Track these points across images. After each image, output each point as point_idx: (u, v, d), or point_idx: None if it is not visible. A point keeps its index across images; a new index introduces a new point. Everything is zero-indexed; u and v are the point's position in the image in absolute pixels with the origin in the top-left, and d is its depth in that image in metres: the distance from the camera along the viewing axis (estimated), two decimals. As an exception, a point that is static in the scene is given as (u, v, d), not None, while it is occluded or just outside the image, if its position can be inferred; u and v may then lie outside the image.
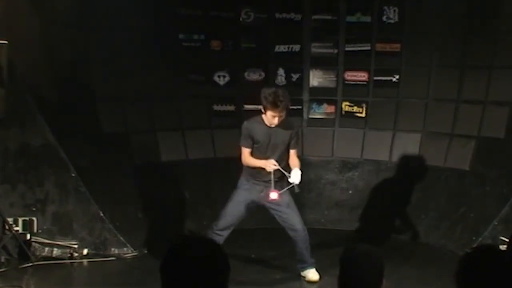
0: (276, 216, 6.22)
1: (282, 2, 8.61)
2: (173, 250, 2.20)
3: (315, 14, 8.57)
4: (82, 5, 7.25)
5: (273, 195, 5.96)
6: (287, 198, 6.17)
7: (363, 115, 8.47)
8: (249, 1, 8.50)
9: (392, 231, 7.84)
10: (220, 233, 5.96)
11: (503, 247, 5.14)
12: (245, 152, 6.07)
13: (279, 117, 5.91)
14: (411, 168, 8.06)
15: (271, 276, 6.41)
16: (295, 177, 5.94)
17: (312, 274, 6.24)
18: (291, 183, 5.95)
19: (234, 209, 6.13)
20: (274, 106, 5.84)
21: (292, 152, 6.15)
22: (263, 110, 5.97)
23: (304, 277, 6.28)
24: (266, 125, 6.00)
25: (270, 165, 5.89)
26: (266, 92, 5.93)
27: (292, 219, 6.14)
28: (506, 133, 7.27)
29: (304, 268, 6.27)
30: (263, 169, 5.98)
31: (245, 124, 6.12)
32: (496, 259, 2.43)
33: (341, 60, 8.54)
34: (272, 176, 5.90)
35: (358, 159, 8.44)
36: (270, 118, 5.92)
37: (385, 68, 8.34)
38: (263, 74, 8.58)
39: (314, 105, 8.66)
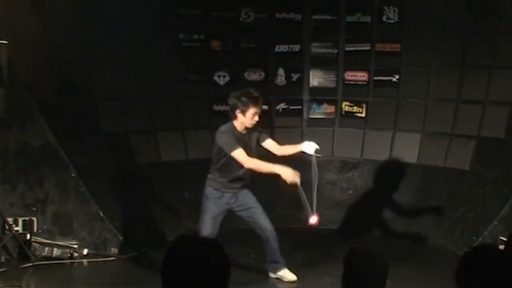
0: (246, 218, 6.17)
1: (282, 2, 8.61)
2: (173, 250, 2.20)
3: (315, 14, 8.58)
4: (82, 5, 7.25)
5: (313, 219, 5.98)
6: (254, 198, 6.13)
7: (363, 115, 8.47)
8: (249, 1, 8.51)
9: (392, 231, 7.85)
10: None
11: (502, 247, 5.15)
12: (240, 152, 5.75)
13: (258, 115, 5.84)
14: (410, 168, 8.07)
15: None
16: (309, 148, 5.93)
17: (290, 275, 6.17)
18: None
19: (211, 225, 5.92)
20: (255, 101, 5.79)
21: (270, 141, 6.12)
22: (240, 114, 5.82)
23: (280, 277, 6.18)
24: (239, 131, 5.89)
25: (295, 177, 5.70)
26: (236, 95, 5.85)
27: (262, 219, 6.08)
28: (506, 133, 7.27)
29: (278, 269, 6.18)
30: (237, 178, 5.94)
31: (224, 130, 5.88)
32: (496, 258, 2.43)
33: (341, 60, 8.54)
34: (304, 197, 5.85)
35: (358, 159, 8.44)
36: (251, 118, 5.81)
37: (385, 68, 8.34)
38: (263, 74, 8.59)
39: (314, 105, 8.66)
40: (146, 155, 7.76)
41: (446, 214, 7.54)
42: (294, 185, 5.73)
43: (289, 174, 5.70)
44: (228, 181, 5.96)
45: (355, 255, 2.86)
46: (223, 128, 5.92)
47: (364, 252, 2.88)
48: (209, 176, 6.03)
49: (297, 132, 8.56)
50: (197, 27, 8.26)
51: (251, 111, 5.79)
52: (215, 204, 5.97)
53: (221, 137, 5.86)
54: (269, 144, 6.13)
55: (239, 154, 5.77)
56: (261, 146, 6.11)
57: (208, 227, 5.91)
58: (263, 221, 6.08)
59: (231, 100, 5.88)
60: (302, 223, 8.21)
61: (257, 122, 5.90)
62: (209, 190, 6.00)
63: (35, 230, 6.76)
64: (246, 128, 5.90)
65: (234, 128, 5.89)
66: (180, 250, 2.19)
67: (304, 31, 8.59)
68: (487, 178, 7.30)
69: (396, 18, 8.26)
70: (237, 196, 6.04)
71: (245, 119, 5.84)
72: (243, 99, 5.79)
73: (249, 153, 5.87)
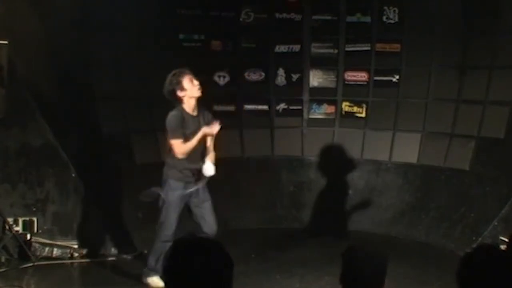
0: (199, 214, 5.92)
1: (282, 2, 8.61)
2: (175, 251, 2.19)
3: (315, 14, 8.57)
4: (82, 5, 7.25)
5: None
6: (208, 195, 5.96)
7: (363, 115, 8.47)
8: (249, 1, 8.50)
9: (391, 231, 7.85)
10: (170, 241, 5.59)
11: (503, 247, 5.14)
12: (178, 143, 5.69)
13: (199, 84, 5.76)
14: (410, 168, 8.07)
15: (271, 276, 6.40)
16: (207, 169, 5.77)
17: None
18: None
19: (175, 222, 5.80)
20: (182, 72, 5.75)
21: (209, 141, 5.94)
22: (181, 93, 5.73)
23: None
24: (189, 113, 5.78)
25: (212, 128, 5.68)
26: (166, 84, 5.76)
27: (212, 216, 5.93)
28: (506, 133, 7.27)
29: None
30: (193, 161, 5.76)
31: (174, 113, 5.74)
32: (497, 259, 2.43)
33: (341, 60, 8.54)
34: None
35: (358, 159, 8.43)
36: (191, 86, 5.72)
37: (385, 68, 8.34)
38: (263, 74, 8.58)
39: (314, 105, 8.66)
40: (146, 155, 7.75)
41: (446, 214, 7.55)
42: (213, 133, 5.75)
43: (207, 131, 5.72)
44: (191, 172, 5.79)
45: (353, 254, 2.86)
46: (173, 111, 5.78)
47: (362, 252, 2.88)
48: (169, 167, 5.81)
49: (297, 132, 8.56)
50: (197, 27, 8.26)
51: (186, 80, 5.74)
52: (178, 200, 5.78)
53: (168, 120, 5.75)
54: (209, 143, 5.96)
55: (176, 144, 5.70)
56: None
57: (173, 225, 5.76)
58: (213, 221, 5.90)
59: (166, 91, 5.78)
60: (302, 223, 8.26)
61: (200, 87, 5.76)
62: (171, 182, 5.78)
63: (35, 230, 6.76)
64: (196, 107, 5.80)
65: (183, 110, 5.78)
66: (183, 251, 2.18)
67: (304, 31, 8.59)
68: (487, 178, 7.31)
69: (396, 18, 8.26)
70: (198, 190, 5.84)
71: (188, 91, 5.74)
72: (173, 79, 5.74)
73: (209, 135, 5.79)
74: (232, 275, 2.18)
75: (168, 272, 2.18)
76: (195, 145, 5.73)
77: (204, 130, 5.75)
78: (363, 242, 6.86)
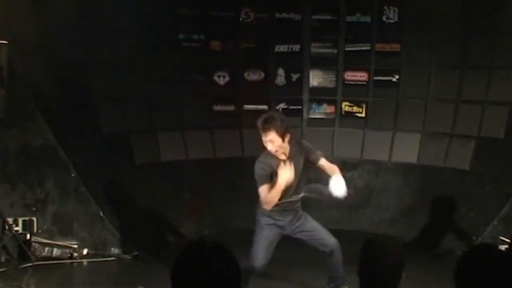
0: (308, 239, 5.53)
1: (282, 2, 8.61)
2: (183, 258, 2.16)
3: (315, 14, 8.58)
4: (82, 5, 7.25)
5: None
6: (309, 218, 5.59)
7: (363, 115, 8.47)
8: (249, 1, 8.51)
9: (393, 232, 7.85)
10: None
11: (503, 247, 5.15)
12: (265, 188, 5.10)
13: (270, 141, 5.09)
14: (410, 168, 8.07)
15: (271, 276, 6.39)
16: (336, 187, 5.28)
17: None
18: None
19: (264, 254, 5.35)
20: (260, 129, 5.12)
21: (322, 162, 5.47)
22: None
23: None
24: (276, 158, 5.17)
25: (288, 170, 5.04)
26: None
27: (323, 233, 5.52)
28: (506, 133, 7.28)
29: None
30: (288, 208, 5.33)
31: (261, 160, 5.18)
32: (494, 258, 2.43)
33: (341, 60, 8.55)
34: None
35: (358, 159, 8.44)
36: (266, 146, 5.14)
37: (385, 68, 8.35)
38: (263, 74, 8.59)
39: (314, 105, 8.66)
40: (146, 155, 7.76)
41: (446, 214, 7.54)
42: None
43: (287, 177, 5.11)
44: (280, 210, 5.32)
45: (371, 248, 2.86)
46: (260, 158, 5.25)
47: (380, 245, 2.89)
48: (258, 209, 5.37)
49: (297, 132, 8.55)
50: (197, 27, 8.26)
51: (263, 138, 5.16)
52: (268, 232, 5.38)
53: (255, 167, 5.19)
54: (323, 165, 5.50)
55: (261, 190, 5.13)
56: (315, 166, 5.54)
57: (260, 256, 5.34)
58: (323, 236, 5.51)
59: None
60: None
61: (278, 150, 5.13)
62: (261, 218, 5.39)
63: (35, 230, 6.77)
64: (283, 154, 5.19)
65: (270, 155, 5.18)
66: (190, 258, 2.15)
67: (304, 31, 8.60)
68: (487, 178, 7.31)
69: (396, 18, 8.27)
70: (293, 223, 5.44)
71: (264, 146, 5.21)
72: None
73: (292, 181, 5.18)
74: (239, 283, 2.14)
75: (175, 279, 2.15)
76: (282, 190, 5.09)
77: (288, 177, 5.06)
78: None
